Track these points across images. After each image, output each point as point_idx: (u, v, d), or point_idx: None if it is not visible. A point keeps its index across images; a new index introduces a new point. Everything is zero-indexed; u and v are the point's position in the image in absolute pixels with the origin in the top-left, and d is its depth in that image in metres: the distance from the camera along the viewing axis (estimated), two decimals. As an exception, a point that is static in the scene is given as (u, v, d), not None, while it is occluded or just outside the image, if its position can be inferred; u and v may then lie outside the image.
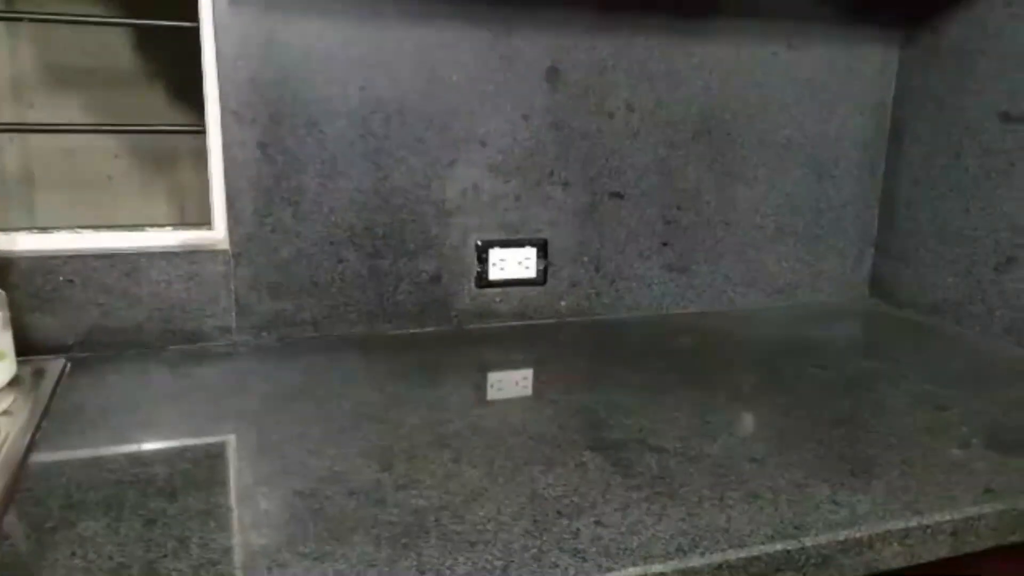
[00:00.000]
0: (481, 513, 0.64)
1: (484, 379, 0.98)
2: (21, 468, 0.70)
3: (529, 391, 0.94)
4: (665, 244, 1.26)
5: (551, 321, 1.21)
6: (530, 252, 1.18)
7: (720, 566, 0.59)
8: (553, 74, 1.14)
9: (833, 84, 1.27)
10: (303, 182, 1.06)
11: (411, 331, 1.14)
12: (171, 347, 1.04)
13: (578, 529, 0.62)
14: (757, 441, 0.79)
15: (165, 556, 0.57)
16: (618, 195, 1.22)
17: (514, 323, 1.19)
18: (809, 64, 1.25)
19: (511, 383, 0.97)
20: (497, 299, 1.18)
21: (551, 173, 1.17)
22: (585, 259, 1.22)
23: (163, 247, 1.04)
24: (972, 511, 0.67)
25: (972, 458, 0.76)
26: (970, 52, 1.18)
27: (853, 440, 0.80)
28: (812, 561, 0.61)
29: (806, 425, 0.83)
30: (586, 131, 1.17)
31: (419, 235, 1.12)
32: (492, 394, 0.93)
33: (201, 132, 1.05)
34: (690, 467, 0.73)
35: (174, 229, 1.06)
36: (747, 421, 0.84)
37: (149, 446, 0.76)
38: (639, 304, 1.27)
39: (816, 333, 1.19)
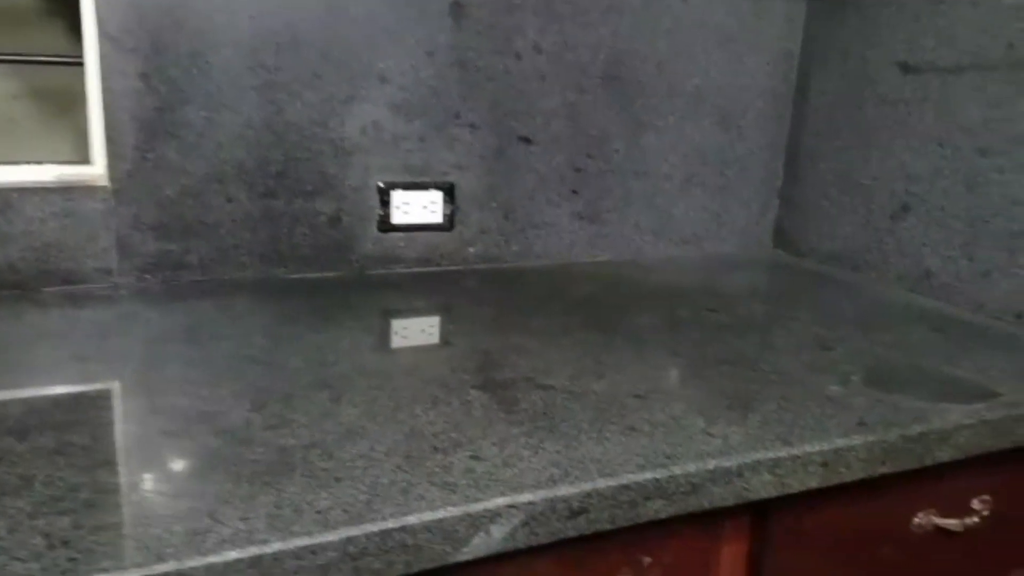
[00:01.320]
0: (353, 451, 0.62)
1: (379, 324, 0.95)
2: None
3: (426, 336, 0.93)
4: (575, 192, 1.25)
5: (459, 268, 1.19)
6: (436, 196, 1.15)
7: (589, 494, 0.58)
8: (457, 9, 1.10)
9: (742, 33, 1.27)
10: (187, 115, 1.00)
11: (309, 276, 1.10)
12: (47, 288, 0.98)
13: (451, 463, 0.60)
14: (643, 379, 0.79)
15: (4, 495, 0.54)
16: (527, 140, 1.19)
17: (419, 269, 1.17)
18: (718, 12, 1.25)
19: (407, 328, 0.95)
20: (401, 244, 1.15)
21: (457, 114, 1.14)
22: (494, 205, 1.20)
23: (37, 183, 0.97)
24: (842, 443, 0.68)
25: (849, 394, 0.78)
26: (873, 2, 1.19)
27: (736, 378, 0.81)
28: (682, 489, 0.62)
29: (693, 364, 0.84)
30: (493, 72, 1.14)
31: (316, 174, 1.08)
32: (385, 338, 0.91)
33: (79, 64, 0.98)
34: (574, 403, 0.72)
35: (55, 165, 0.99)
36: (636, 360, 0.84)
37: (9, 387, 0.71)
38: (549, 252, 1.26)
39: (716, 280, 1.21)
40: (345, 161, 1.09)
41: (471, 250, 1.20)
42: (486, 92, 1.15)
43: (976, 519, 0.82)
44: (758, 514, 0.72)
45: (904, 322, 1.04)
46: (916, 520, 0.80)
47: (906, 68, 1.15)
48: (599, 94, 1.22)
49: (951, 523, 0.81)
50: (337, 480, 0.57)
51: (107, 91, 0.96)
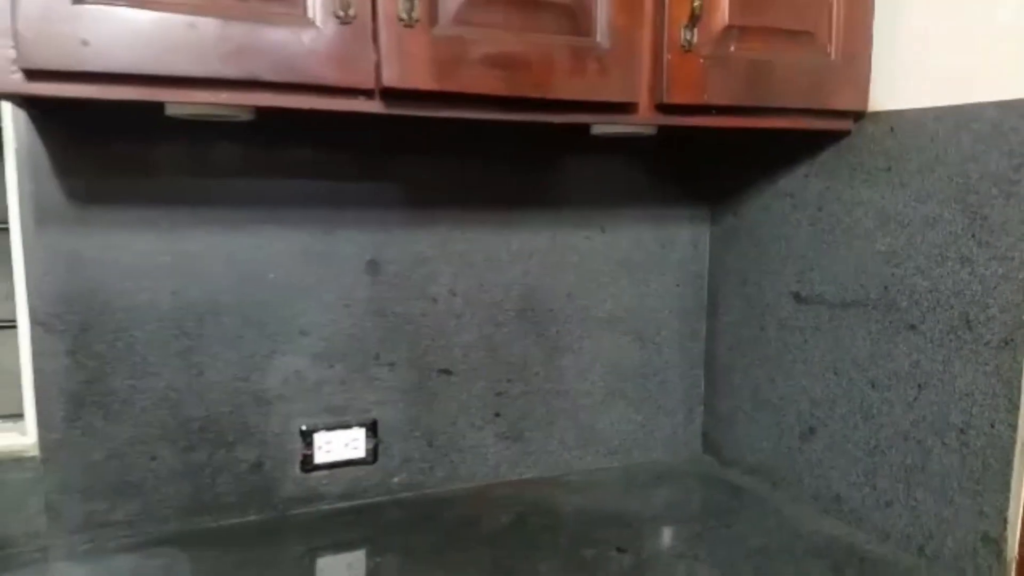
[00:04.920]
0: None
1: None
2: None
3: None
4: (497, 414, 1.30)
5: (382, 499, 1.23)
6: (358, 432, 1.21)
7: None
8: (373, 266, 1.19)
9: (646, 261, 1.35)
10: (113, 385, 1.08)
11: (232, 522, 1.15)
12: (-26, 558, 1.03)
13: None
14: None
15: None
16: (447, 371, 1.26)
17: (343, 504, 1.21)
18: (622, 244, 1.33)
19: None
20: (324, 481, 1.20)
21: (376, 356, 1.21)
22: (417, 434, 1.25)
23: (-30, 455, 1.04)
24: None
25: None
26: (764, 236, 1.27)
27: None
28: None
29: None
30: (410, 315, 1.22)
31: (238, 425, 1.14)
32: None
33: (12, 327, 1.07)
34: None
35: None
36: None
37: None
38: (475, 474, 1.30)
39: (636, 503, 1.23)
40: (267, 410, 1.15)
41: (395, 480, 1.24)
42: (404, 334, 1.22)
43: None
44: None
45: (807, 557, 1.06)
46: None
47: (799, 298, 1.21)
48: (515, 325, 1.29)
49: None
50: None
51: (37, 371, 1.04)
